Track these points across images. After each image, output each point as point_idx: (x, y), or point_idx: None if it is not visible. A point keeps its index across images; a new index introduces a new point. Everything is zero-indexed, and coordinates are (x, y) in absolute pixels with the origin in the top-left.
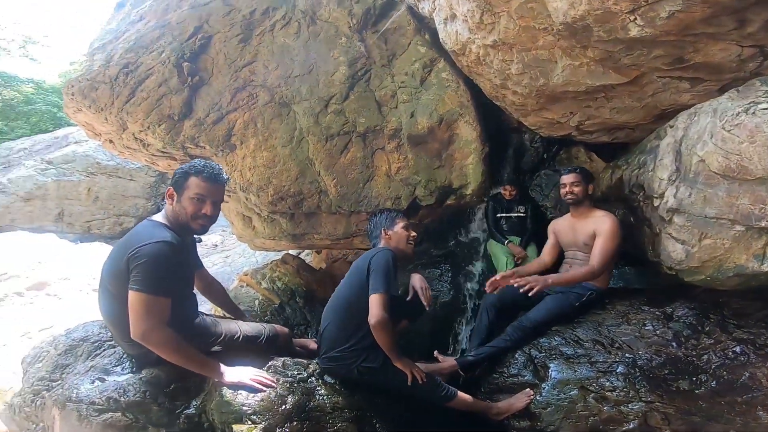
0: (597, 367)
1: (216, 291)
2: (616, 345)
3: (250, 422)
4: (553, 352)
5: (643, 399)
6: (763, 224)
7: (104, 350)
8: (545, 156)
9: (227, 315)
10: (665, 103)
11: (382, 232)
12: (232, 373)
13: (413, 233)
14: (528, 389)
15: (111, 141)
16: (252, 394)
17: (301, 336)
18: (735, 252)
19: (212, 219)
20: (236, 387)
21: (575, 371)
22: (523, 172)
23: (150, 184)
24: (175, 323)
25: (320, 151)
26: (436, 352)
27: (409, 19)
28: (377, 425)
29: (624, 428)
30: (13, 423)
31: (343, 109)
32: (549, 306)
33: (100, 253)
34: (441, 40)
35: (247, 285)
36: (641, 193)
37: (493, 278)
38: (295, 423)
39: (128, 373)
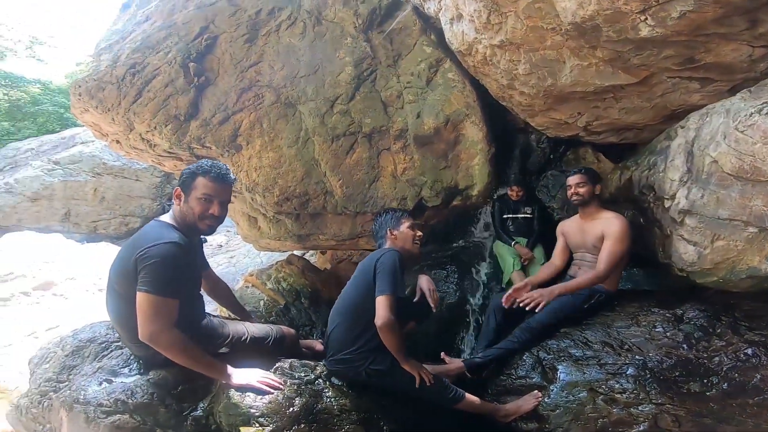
0: (606, 369)
1: (222, 292)
2: (626, 347)
3: (257, 424)
4: (561, 354)
5: (653, 401)
6: None
7: (111, 351)
8: (552, 157)
9: (233, 316)
10: (675, 103)
11: (388, 232)
12: (240, 375)
13: (419, 233)
14: (536, 391)
15: (118, 141)
16: (259, 397)
17: (307, 337)
18: (748, 254)
19: (220, 219)
20: (244, 389)
21: (584, 373)
22: (530, 172)
23: (155, 185)
24: (183, 324)
25: (326, 152)
26: (442, 354)
27: (415, 20)
28: (384, 427)
29: (634, 430)
30: (19, 424)
31: (348, 110)
32: (557, 308)
33: (106, 253)
34: (447, 40)
35: (253, 285)
36: (651, 194)
37: (507, 293)
38: (302, 425)
39: (136, 374)
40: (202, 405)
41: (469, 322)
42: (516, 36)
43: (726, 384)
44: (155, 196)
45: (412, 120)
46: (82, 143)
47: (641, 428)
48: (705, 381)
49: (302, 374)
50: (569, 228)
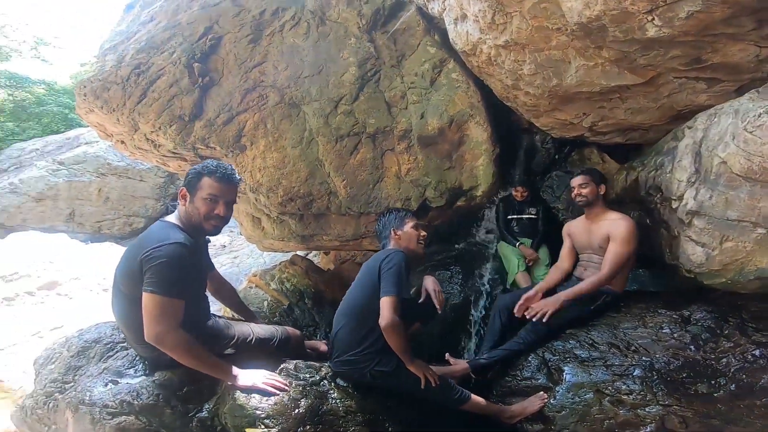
0: (613, 371)
1: (227, 293)
2: (633, 348)
3: (263, 426)
4: (567, 355)
5: (660, 402)
6: None
7: (117, 352)
8: (557, 157)
9: (236, 316)
10: (681, 103)
11: (392, 232)
12: (245, 377)
13: (423, 233)
14: (542, 392)
15: (123, 142)
16: (265, 398)
17: (311, 337)
18: (757, 255)
19: (225, 219)
20: (249, 390)
21: (590, 374)
22: (534, 173)
23: (159, 185)
24: (188, 325)
25: (330, 152)
26: (447, 355)
27: (419, 20)
28: (390, 429)
29: None
30: (24, 425)
31: (352, 110)
32: (563, 311)
33: (110, 253)
34: (451, 40)
35: (256, 286)
36: (658, 195)
37: (519, 304)
38: (308, 427)
39: (141, 375)
40: (207, 406)
41: (472, 327)
42: (521, 36)
43: (734, 385)
44: (159, 196)
45: (416, 120)
46: (87, 143)
47: (648, 429)
48: (712, 382)
49: (307, 375)
50: (575, 229)
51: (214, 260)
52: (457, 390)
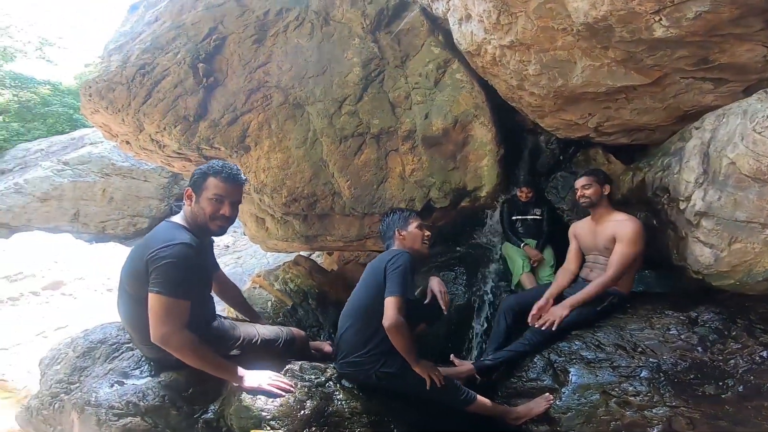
0: (619, 372)
1: (231, 293)
2: (639, 349)
3: (269, 427)
4: (573, 357)
5: (667, 404)
6: None
7: (122, 353)
8: (561, 158)
9: (240, 317)
10: (688, 104)
11: (396, 232)
12: (251, 378)
13: (427, 233)
14: (547, 393)
15: (128, 142)
16: (271, 399)
17: (314, 338)
18: (765, 256)
19: (230, 220)
20: (255, 392)
21: (597, 376)
22: (539, 174)
23: (163, 185)
24: (194, 326)
25: (334, 153)
26: (452, 356)
27: (423, 20)
28: (395, 430)
29: None
30: (29, 425)
31: (356, 111)
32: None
33: (114, 253)
34: (455, 40)
35: (260, 286)
36: (665, 196)
37: (532, 314)
38: (314, 428)
39: (147, 376)
40: (213, 407)
41: (473, 339)
42: (526, 36)
43: (741, 386)
44: (163, 196)
45: (420, 121)
46: (91, 144)
47: (655, 431)
48: (720, 384)
49: (312, 377)
50: (581, 230)
51: (217, 261)
52: (463, 391)
